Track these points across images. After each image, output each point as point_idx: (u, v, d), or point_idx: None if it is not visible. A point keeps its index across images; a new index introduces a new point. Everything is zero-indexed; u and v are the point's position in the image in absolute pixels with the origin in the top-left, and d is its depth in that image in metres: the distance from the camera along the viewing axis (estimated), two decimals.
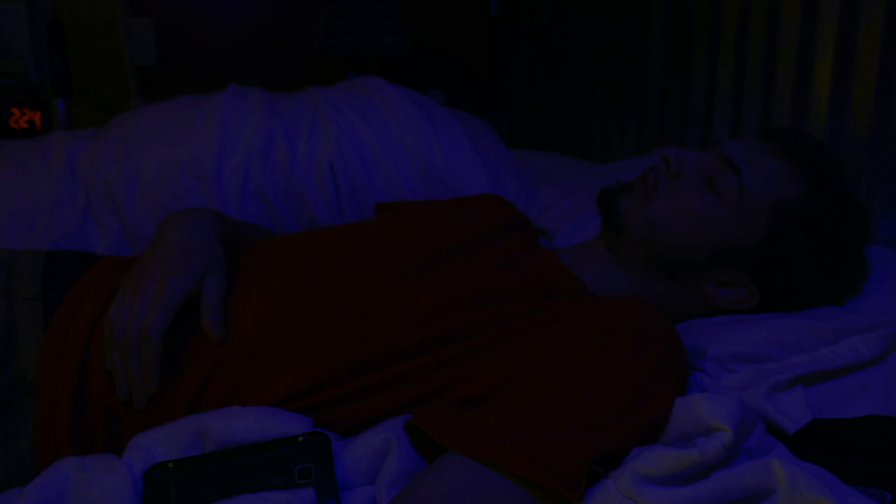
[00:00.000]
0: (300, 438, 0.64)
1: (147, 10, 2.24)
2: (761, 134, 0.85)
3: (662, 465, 0.59)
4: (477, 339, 0.71)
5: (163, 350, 0.70)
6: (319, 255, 0.81)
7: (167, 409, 0.71)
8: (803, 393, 0.71)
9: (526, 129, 2.25)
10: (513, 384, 0.67)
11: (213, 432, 0.65)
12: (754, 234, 0.79)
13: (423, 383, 0.71)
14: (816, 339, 0.75)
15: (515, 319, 0.73)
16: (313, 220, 1.17)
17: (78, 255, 0.88)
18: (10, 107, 1.96)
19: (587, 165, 1.50)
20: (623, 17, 1.67)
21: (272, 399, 0.70)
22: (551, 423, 0.62)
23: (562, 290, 0.80)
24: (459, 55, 2.51)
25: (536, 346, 0.70)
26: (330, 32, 2.08)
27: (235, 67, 2.32)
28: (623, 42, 1.68)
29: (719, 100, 1.33)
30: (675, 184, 0.82)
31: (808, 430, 0.68)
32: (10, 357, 0.74)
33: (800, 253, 0.79)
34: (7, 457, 0.71)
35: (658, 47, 1.53)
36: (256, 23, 2.34)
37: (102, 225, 1.14)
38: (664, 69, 1.52)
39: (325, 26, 2.09)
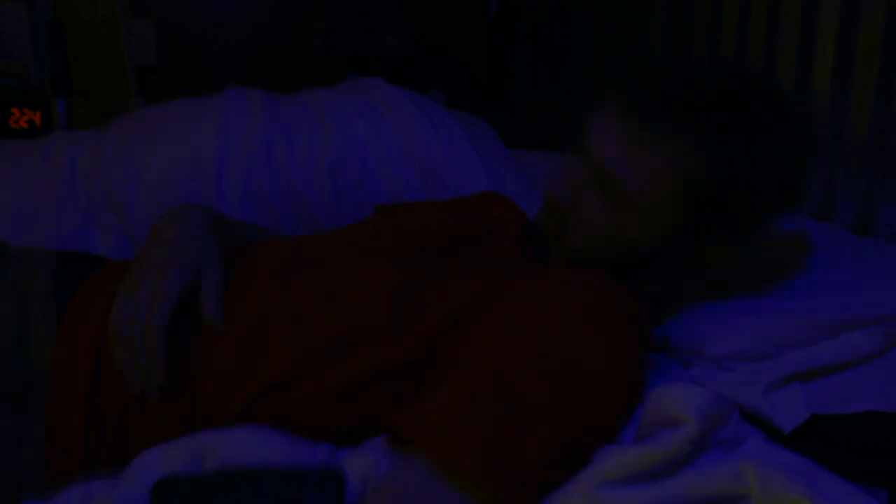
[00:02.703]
0: (314, 473, 0.64)
1: (147, 10, 2.24)
2: (621, 102, 0.76)
3: (623, 464, 0.57)
4: (438, 325, 0.71)
5: (167, 341, 0.70)
6: (311, 254, 0.82)
7: (172, 403, 0.72)
8: (801, 390, 0.71)
9: (526, 129, 2.25)
10: (465, 371, 0.65)
11: (214, 452, 0.65)
12: (674, 213, 0.75)
13: (401, 379, 0.71)
14: (815, 334, 0.75)
15: (470, 299, 0.72)
16: (314, 221, 1.17)
17: (88, 256, 0.89)
18: (10, 107, 1.97)
19: None
20: (623, 17, 1.67)
21: (256, 389, 0.71)
22: (506, 424, 0.60)
23: (518, 262, 0.79)
24: (459, 55, 2.51)
25: (486, 331, 0.68)
26: (330, 32, 2.08)
27: (235, 67, 2.32)
28: (623, 42, 1.68)
29: None
30: (576, 216, 0.78)
31: (807, 425, 0.68)
32: (23, 354, 0.74)
33: (735, 193, 0.74)
34: (19, 453, 0.71)
35: (658, 47, 1.53)
36: (256, 23, 2.34)
37: (104, 226, 1.15)
38: None
39: (325, 26, 2.09)
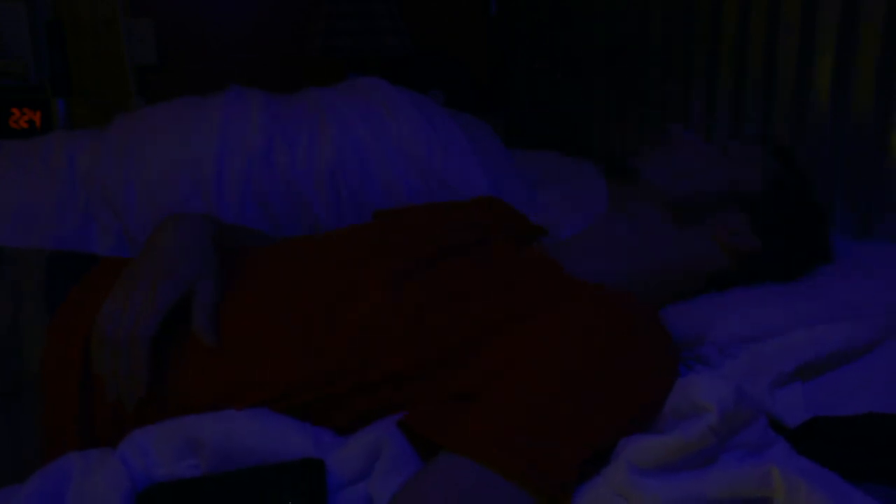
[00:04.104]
0: (294, 464, 0.64)
1: (147, 10, 2.24)
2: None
3: (650, 455, 0.58)
4: (461, 335, 0.72)
5: (152, 353, 0.70)
6: (310, 264, 0.82)
7: (160, 409, 0.71)
8: (802, 389, 0.71)
9: (526, 129, 2.25)
10: (502, 380, 0.68)
11: (208, 438, 0.65)
12: (757, 182, 0.88)
13: (414, 384, 0.72)
14: (812, 318, 0.76)
15: (498, 314, 0.73)
16: (315, 223, 1.17)
17: (82, 255, 0.89)
18: (10, 107, 1.96)
19: (587, 165, 1.50)
20: (623, 17, 1.67)
21: (261, 398, 0.71)
22: (541, 423, 0.63)
23: (545, 280, 0.80)
24: (459, 55, 2.51)
25: (522, 342, 0.70)
26: (330, 32, 2.08)
27: (235, 67, 2.32)
28: (623, 42, 1.68)
29: (719, 100, 1.33)
30: (688, 144, 0.94)
31: (810, 427, 0.68)
32: (14, 352, 0.74)
33: (789, 209, 0.88)
34: (14, 450, 0.71)
35: (658, 47, 1.53)
36: (256, 23, 2.34)
37: (103, 226, 1.14)
38: (664, 69, 1.52)
39: (325, 26, 2.09)
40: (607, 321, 0.70)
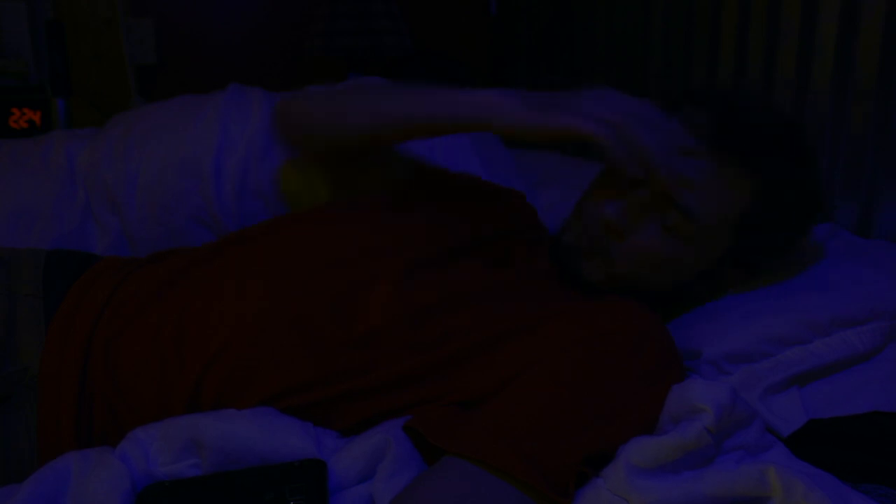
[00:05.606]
0: (296, 465, 0.64)
1: (147, 10, 2.24)
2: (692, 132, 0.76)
3: (647, 455, 0.59)
4: (469, 340, 0.72)
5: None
6: (320, 253, 0.81)
7: (165, 404, 0.71)
8: (799, 394, 0.71)
9: None
10: (508, 386, 0.68)
11: (209, 438, 0.65)
12: (724, 246, 0.78)
13: (418, 387, 0.71)
14: (811, 333, 0.75)
15: (507, 320, 0.73)
16: None
17: (79, 254, 0.88)
18: (10, 107, 1.96)
19: (587, 165, 1.50)
20: (623, 17, 1.67)
21: (266, 394, 0.71)
22: (544, 426, 0.63)
23: (550, 285, 0.80)
24: (459, 55, 2.51)
25: (530, 348, 0.70)
26: (330, 32, 2.08)
27: (235, 67, 2.32)
28: (623, 42, 1.68)
29: None
30: (629, 240, 0.77)
31: (808, 429, 0.68)
32: (10, 354, 0.74)
33: (771, 235, 0.80)
34: (13, 450, 0.71)
35: (658, 48, 1.53)
36: (256, 23, 2.34)
37: (102, 225, 1.14)
38: (664, 69, 1.52)
39: (325, 26, 2.09)
40: (609, 323, 0.70)
